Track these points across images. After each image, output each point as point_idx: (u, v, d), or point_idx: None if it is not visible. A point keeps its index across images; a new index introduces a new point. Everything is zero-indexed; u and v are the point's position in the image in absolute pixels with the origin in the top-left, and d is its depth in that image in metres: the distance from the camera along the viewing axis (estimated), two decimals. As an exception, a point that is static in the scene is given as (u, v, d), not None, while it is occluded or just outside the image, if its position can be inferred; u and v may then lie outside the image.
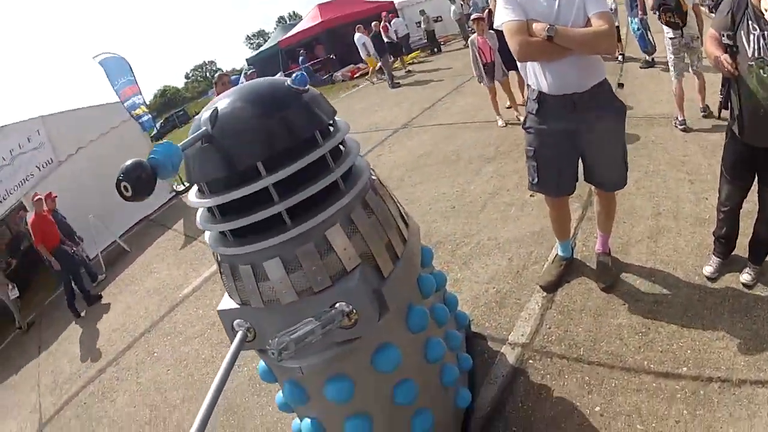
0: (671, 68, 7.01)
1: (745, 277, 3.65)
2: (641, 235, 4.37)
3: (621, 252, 4.21)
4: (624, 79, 9.30)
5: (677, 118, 6.67)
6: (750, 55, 2.99)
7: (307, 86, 2.05)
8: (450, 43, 22.67)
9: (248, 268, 1.97)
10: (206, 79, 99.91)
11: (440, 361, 2.52)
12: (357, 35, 17.05)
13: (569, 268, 4.21)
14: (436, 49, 21.32)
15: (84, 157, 10.49)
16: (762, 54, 2.93)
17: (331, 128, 2.18)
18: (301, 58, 23.96)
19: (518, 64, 3.53)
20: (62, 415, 5.43)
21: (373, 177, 2.32)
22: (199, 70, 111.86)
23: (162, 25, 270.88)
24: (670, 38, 6.95)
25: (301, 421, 2.48)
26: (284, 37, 27.21)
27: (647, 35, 10.08)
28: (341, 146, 2.24)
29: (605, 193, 3.80)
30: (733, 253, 3.78)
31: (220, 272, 2.15)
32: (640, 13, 10.13)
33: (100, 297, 8.09)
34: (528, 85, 3.48)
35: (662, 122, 6.69)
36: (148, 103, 13.64)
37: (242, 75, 12.42)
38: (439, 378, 2.59)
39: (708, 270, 3.78)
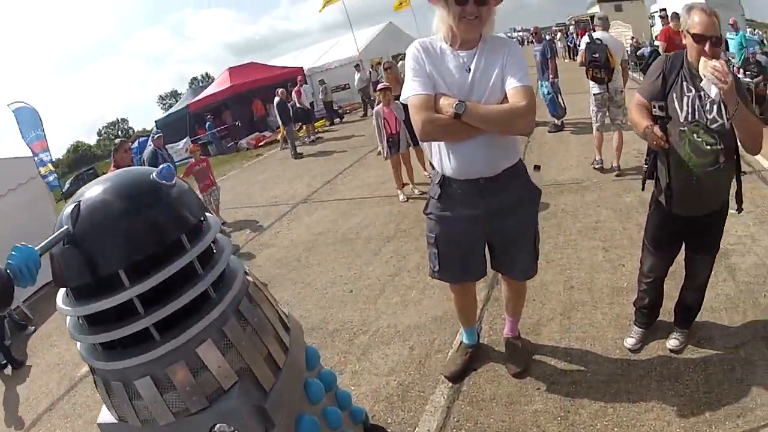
0: (593, 119, 7.56)
1: (673, 342, 3.53)
2: (553, 312, 4.23)
3: (532, 333, 4.02)
4: (531, 145, 9.53)
5: (595, 159, 7.26)
6: (682, 120, 2.92)
7: (174, 180, 1.83)
8: (356, 112, 23.13)
9: (120, 385, 1.75)
10: (118, 137, 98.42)
11: (339, 428, 2.35)
12: (276, 99, 16.96)
13: (476, 356, 3.93)
14: (336, 120, 21.76)
15: None
16: (697, 117, 2.87)
17: (202, 226, 1.96)
18: (208, 123, 23.74)
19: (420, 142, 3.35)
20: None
21: (249, 278, 2.12)
22: (112, 128, 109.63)
23: (79, 80, 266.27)
24: (594, 93, 7.48)
25: None
26: (193, 100, 26.88)
27: (557, 99, 10.50)
28: (212, 246, 2.01)
29: (513, 284, 3.56)
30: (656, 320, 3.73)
31: (95, 383, 1.90)
32: (551, 76, 10.55)
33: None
34: (431, 165, 3.20)
35: (572, 188, 6.77)
36: (60, 157, 13.10)
37: (150, 138, 12.05)
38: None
39: (630, 342, 3.64)
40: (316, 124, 20.17)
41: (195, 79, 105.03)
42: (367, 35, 28.36)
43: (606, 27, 8.15)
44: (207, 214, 2.02)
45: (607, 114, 7.40)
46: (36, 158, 11.39)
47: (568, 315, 4.11)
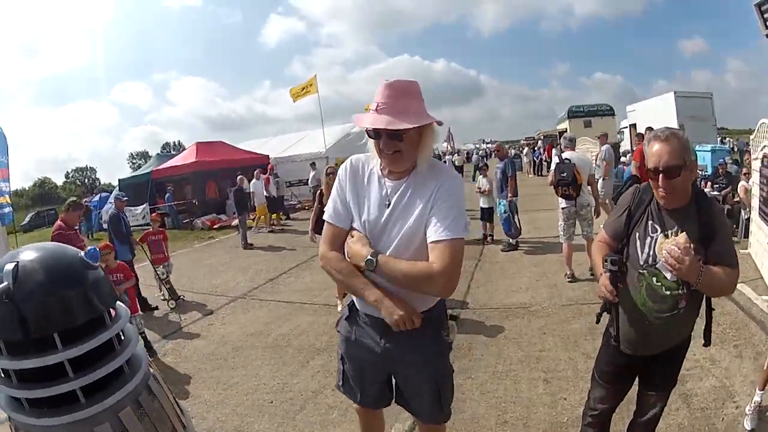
0: (561, 233, 8.05)
1: None
2: None
3: None
4: (482, 264, 9.44)
5: (566, 273, 7.58)
6: (642, 262, 2.80)
7: (98, 264, 1.96)
8: (311, 208, 23.09)
9: None
10: (84, 185, 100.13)
11: None
12: (253, 181, 17.37)
13: None
14: (283, 215, 21.65)
15: None
16: (659, 262, 2.70)
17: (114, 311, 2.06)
18: (168, 194, 23.49)
19: None
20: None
21: (151, 369, 2.16)
22: (80, 173, 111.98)
23: (58, 116, 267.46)
24: (562, 207, 8.03)
25: None
26: (157, 167, 26.72)
27: (513, 219, 10.66)
28: (122, 332, 2.08)
29: (432, 425, 3.10)
30: None
31: None
32: (509, 195, 10.67)
33: None
34: None
35: (518, 313, 6.61)
36: (26, 188, 12.59)
37: (114, 198, 11.79)
38: None
39: None
40: (274, 216, 20.05)
41: (167, 144, 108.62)
42: (336, 132, 28.85)
43: (573, 147, 8.66)
44: (118, 303, 2.10)
45: (576, 225, 8.02)
46: None
47: None
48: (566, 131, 27.10)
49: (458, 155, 40.04)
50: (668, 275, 2.64)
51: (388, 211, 2.57)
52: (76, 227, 8.66)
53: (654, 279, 2.72)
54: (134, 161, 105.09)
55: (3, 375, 1.86)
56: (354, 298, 2.85)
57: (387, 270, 2.46)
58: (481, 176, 12.26)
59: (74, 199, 8.76)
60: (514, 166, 11.47)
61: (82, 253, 1.94)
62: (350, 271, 2.61)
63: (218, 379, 6.06)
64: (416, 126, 2.41)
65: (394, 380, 2.99)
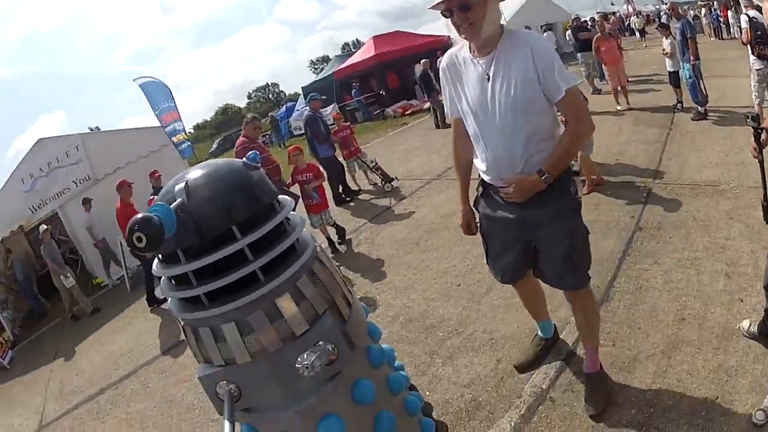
0: (754, 94, 7.93)
1: None
2: (654, 348, 3.69)
3: (625, 369, 3.56)
4: (673, 134, 8.92)
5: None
6: None
7: (258, 164, 2.19)
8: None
9: (232, 325, 2.02)
10: (268, 101, 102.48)
11: (401, 392, 2.57)
12: (419, 70, 16.97)
13: (548, 351, 3.89)
14: None
15: (121, 177, 10.77)
16: None
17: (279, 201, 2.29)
18: (354, 90, 24.10)
19: None
20: (59, 424, 5.93)
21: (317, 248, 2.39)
22: (262, 91, 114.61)
23: (223, 49, 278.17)
24: (757, 69, 7.80)
25: None
26: (338, 67, 27.53)
27: (699, 84, 9.80)
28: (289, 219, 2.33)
29: (569, 293, 3.30)
30: None
31: (195, 339, 2.13)
32: (692, 58, 9.84)
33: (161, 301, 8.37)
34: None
35: (708, 192, 6.11)
36: (209, 119, 13.90)
37: (306, 102, 12.35)
38: (405, 410, 2.61)
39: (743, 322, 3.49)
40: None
41: (346, 44, 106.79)
42: (514, 5, 27.01)
43: (752, 5, 8.07)
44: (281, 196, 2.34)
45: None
46: (168, 128, 12.34)
47: (669, 354, 3.60)
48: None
49: (638, 17, 36.09)
50: None
51: (489, 84, 2.76)
52: (260, 140, 9.17)
53: None
54: (316, 67, 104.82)
55: (175, 283, 2.15)
56: (481, 174, 3.09)
57: (558, 171, 2.78)
58: (663, 38, 11.31)
59: (251, 115, 9.26)
60: (693, 28, 10.46)
61: (245, 159, 2.20)
62: (457, 170, 3.30)
63: (409, 264, 6.28)
64: None
65: (522, 249, 3.17)
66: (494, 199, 3.07)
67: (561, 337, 4.03)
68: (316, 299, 2.14)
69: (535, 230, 3.00)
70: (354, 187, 10.64)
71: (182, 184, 1.99)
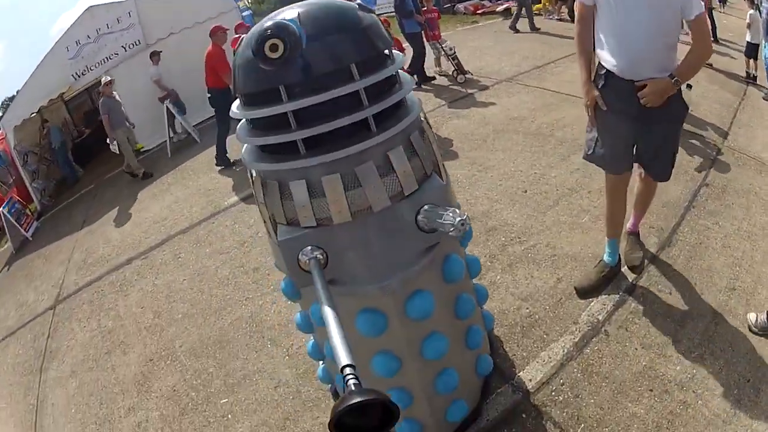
0: None
1: None
2: (706, 309, 3.61)
3: (678, 322, 3.48)
4: (744, 105, 8.56)
5: None
6: None
7: (374, 9, 2.12)
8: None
9: (336, 177, 1.85)
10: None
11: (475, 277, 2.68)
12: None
13: (611, 280, 3.86)
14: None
15: (174, 43, 10.55)
16: None
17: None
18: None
19: (594, 35, 3.41)
20: (78, 297, 5.60)
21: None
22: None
23: None
24: None
25: (362, 363, 2.26)
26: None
27: None
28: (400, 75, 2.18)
29: (648, 180, 3.75)
30: None
31: (281, 195, 1.95)
32: None
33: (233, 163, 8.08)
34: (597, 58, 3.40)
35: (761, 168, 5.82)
36: None
37: None
38: (476, 295, 2.70)
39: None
40: (537, 6, 18.66)
41: None
42: None
43: None
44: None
45: None
46: None
47: (717, 321, 3.48)
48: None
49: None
50: None
51: None
52: None
53: None
54: None
55: (263, 128, 1.97)
56: (606, 67, 3.23)
57: (685, 78, 3.11)
58: (752, 10, 10.82)
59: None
60: None
61: (359, 1, 2.02)
62: (582, 52, 3.38)
63: (474, 160, 6.03)
64: None
65: (635, 145, 3.45)
66: (617, 91, 3.24)
67: (619, 278, 3.86)
68: (426, 158, 2.05)
69: (650, 127, 3.28)
70: (430, 73, 10.31)
71: (294, 14, 1.78)
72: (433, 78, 10.08)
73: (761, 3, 9.81)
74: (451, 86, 9.33)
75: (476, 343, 2.56)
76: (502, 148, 6.24)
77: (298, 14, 1.79)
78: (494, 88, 8.84)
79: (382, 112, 1.90)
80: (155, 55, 10.59)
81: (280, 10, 1.89)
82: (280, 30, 1.57)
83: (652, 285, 3.82)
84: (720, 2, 27.38)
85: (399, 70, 2.13)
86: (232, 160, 7.74)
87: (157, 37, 10.81)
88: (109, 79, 9.12)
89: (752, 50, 10.59)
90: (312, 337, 2.69)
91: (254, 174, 2.02)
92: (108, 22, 10.56)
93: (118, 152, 8.89)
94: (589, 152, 3.60)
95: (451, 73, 9.79)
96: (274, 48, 1.56)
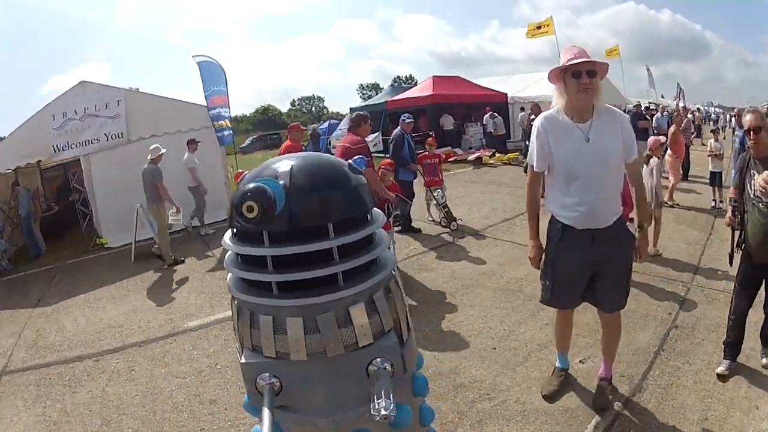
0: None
1: (765, 360, 4.56)
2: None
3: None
4: (714, 238, 8.95)
5: None
6: (752, 196, 4.04)
7: (363, 170, 2.14)
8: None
9: (299, 321, 1.93)
10: (310, 113, 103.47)
11: (428, 425, 2.49)
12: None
13: (567, 381, 4.46)
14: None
15: (154, 145, 10.65)
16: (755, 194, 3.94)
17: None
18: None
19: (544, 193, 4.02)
20: (25, 376, 5.44)
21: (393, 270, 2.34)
22: (306, 102, 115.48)
23: (280, 50, 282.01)
24: None
25: None
26: (393, 98, 27.60)
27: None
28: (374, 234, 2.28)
29: (608, 315, 4.07)
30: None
31: (250, 324, 2.03)
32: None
33: None
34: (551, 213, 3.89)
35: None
36: (248, 114, 13.94)
37: (401, 121, 12.05)
38: None
39: (720, 369, 4.50)
40: (509, 155, 19.95)
41: (398, 77, 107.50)
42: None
43: None
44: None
45: None
46: (213, 111, 12.12)
47: None
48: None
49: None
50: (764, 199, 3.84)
51: (588, 145, 3.48)
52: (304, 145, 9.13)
53: (761, 205, 3.95)
54: (365, 92, 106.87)
55: (243, 262, 2.03)
56: (562, 221, 3.74)
57: (648, 218, 4.29)
58: (712, 140, 11.37)
59: (297, 123, 9.45)
60: None
61: (350, 161, 2.10)
62: (532, 213, 4.08)
63: (443, 316, 6.05)
64: (602, 63, 3.49)
65: (588, 285, 3.90)
66: (574, 242, 3.70)
67: (589, 429, 3.96)
68: (385, 315, 2.05)
69: (605, 265, 3.73)
70: (419, 222, 10.46)
71: (287, 167, 1.92)
72: (419, 230, 10.10)
73: (734, 131, 10.31)
74: (424, 236, 9.60)
75: None
76: (471, 304, 6.34)
77: (291, 167, 1.91)
78: (463, 241, 9.13)
79: (356, 268, 1.99)
80: (192, 143, 10.93)
81: (279, 158, 2.04)
82: (256, 195, 1.66)
83: (624, 431, 3.93)
84: (696, 135, 28.64)
85: (377, 231, 2.21)
86: None
87: (139, 135, 11.06)
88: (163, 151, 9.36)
89: (718, 179, 11.23)
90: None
91: (234, 299, 2.10)
92: (97, 103, 10.87)
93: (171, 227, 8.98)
94: (547, 297, 4.11)
95: (439, 221, 10.12)
96: (250, 209, 1.65)
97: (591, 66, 3.39)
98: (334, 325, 1.95)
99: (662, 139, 9.79)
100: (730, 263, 4.51)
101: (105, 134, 10.84)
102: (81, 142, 10.65)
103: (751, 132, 4.14)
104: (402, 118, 10.57)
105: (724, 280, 6.64)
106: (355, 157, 2.16)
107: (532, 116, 17.11)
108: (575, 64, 3.38)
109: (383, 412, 1.73)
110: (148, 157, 9.53)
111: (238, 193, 1.68)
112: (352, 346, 1.98)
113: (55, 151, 10.68)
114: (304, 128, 10.09)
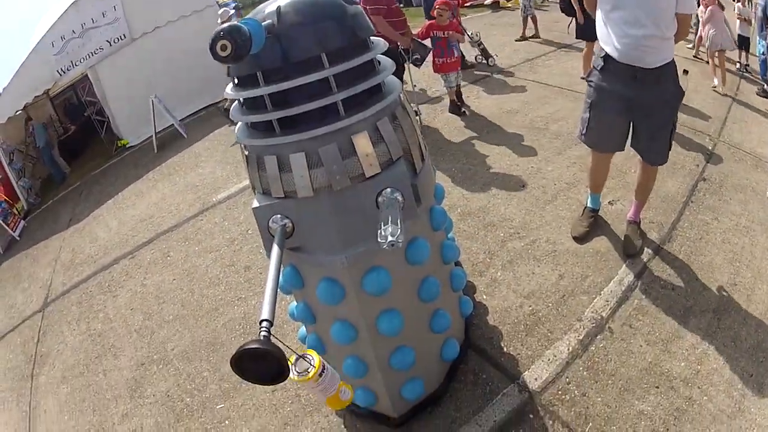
0: None
1: None
2: (708, 304, 3.65)
3: (680, 317, 3.52)
4: (738, 101, 8.51)
5: None
6: None
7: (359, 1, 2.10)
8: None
9: (301, 155, 2.01)
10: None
11: (452, 262, 2.74)
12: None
13: (597, 222, 4.33)
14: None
15: (159, 36, 10.38)
16: None
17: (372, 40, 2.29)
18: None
19: (595, 23, 3.64)
20: (67, 298, 5.41)
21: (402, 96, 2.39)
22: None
23: None
24: None
25: (324, 328, 2.53)
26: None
27: None
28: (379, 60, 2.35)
29: (646, 166, 3.89)
30: None
31: (258, 167, 2.13)
32: None
33: None
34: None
35: (765, 167, 5.83)
36: None
37: None
38: (450, 283, 2.76)
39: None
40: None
41: None
42: None
43: None
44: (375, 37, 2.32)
45: None
46: None
47: (719, 315, 3.52)
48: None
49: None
50: None
51: None
52: None
53: None
54: None
55: (247, 108, 2.11)
56: (606, 51, 3.44)
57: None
58: (739, 4, 10.93)
59: None
60: None
61: None
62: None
63: (469, 154, 5.92)
64: None
65: (631, 128, 3.69)
66: (615, 75, 3.45)
67: (620, 275, 3.90)
68: (393, 144, 2.14)
69: (646, 110, 3.49)
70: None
71: (274, 6, 1.95)
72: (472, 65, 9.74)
73: (757, 6, 9.92)
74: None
75: (442, 327, 2.64)
76: (497, 142, 6.11)
77: (278, 7, 1.93)
78: (485, 81, 8.66)
79: (356, 96, 2.02)
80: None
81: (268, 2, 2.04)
82: (229, 33, 1.68)
83: (654, 281, 3.81)
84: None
85: (380, 57, 2.30)
86: None
87: (143, 31, 10.65)
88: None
89: (743, 42, 10.80)
90: (303, 326, 2.82)
91: (243, 147, 2.20)
92: (93, 15, 10.37)
93: None
94: (583, 132, 3.83)
95: (475, 59, 9.71)
96: (223, 48, 1.68)
97: None
98: (338, 157, 2.01)
99: None
100: None
101: (107, 41, 10.33)
102: (84, 57, 10.18)
103: None
104: None
105: (752, 142, 6.46)
106: None
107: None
108: None
109: (390, 238, 1.79)
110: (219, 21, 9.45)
111: (215, 31, 1.68)
112: (358, 178, 2.06)
113: (60, 74, 10.33)
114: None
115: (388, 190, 2.06)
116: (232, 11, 9.27)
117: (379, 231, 1.83)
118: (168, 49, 10.23)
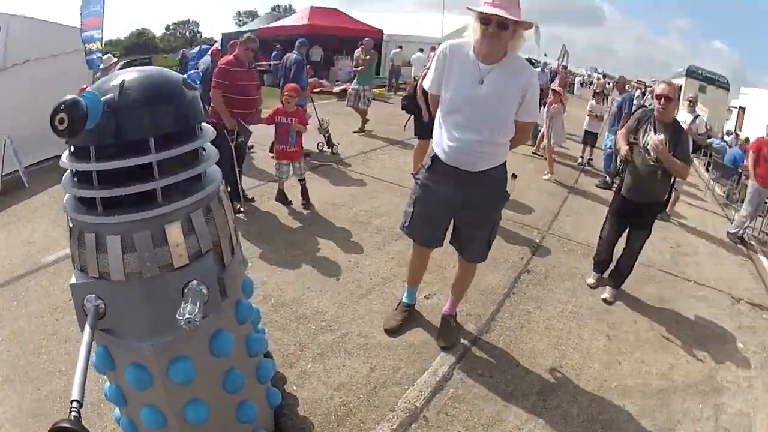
0: None
1: (605, 296, 5.30)
2: (530, 389, 3.85)
3: (501, 402, 3.67)
4: (576, 193, 9.32)
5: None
6: (641, 144, 4.91)
7: (197, 86, 2.26)
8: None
9: (117, 238, 2.01)
10: (183, 37, 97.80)
11: (258, 355, 2.76)
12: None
13: (412, 316, 4.46)
14: (393, 90, 21.86)
15: (26, 71, 9.79)
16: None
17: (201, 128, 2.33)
18: (274, 52, 23.33)
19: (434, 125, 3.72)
20: None
21: (221, 188, 2.44)
22: (181, 26, 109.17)
23: None
24: None
25: (135, 411, 2.45)
26: (266, 26, 26.32)
27: (616, 157, 10.23)
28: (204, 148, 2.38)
29: (464, 263, 4.05)
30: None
31: (78, 243, 2.12)
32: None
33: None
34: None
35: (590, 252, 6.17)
36: (121, 38, 12.90)
37: (297, 45, 11.13)
38: (256, 375, 2.78)
39: (590, 281, 5.57)
40: (376, 90, 19.71)
41: (278, 6, 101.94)
42: (455, 22, 23.62)
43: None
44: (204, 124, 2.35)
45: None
46: (85, 33, 11.22)
47: (545, 397, 3.77)
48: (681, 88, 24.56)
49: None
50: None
51: (480, 87, 3.30)
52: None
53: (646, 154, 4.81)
54: (241, 19, 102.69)
55: (77, 180, 2.08)
56: (436, 152, 3.59)
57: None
58: (594, 101, 11.86)
59: (248, 35, 8.69)
60: (632, 105, 10.78)
61: (185, 76, 2.18)
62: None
63: (290, 242, 5.94)
64: (520, 21, 3.20)
65: (452, 225, 3.86)
66: (440, 175, 3.61)
67: (434, 366, 4.01)
68: (203, 236, 2.17)
69: (468, 211, 3.67)
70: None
71: (118, 81, 1.97)
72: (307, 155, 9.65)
73: (610, 93, 10.88)
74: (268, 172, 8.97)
75: (249, 418, 2.67)
76: (320, 233, 6.27)
77: (123, 81, 1.96)
78: (319, 170, 8.98)
79: (176, 184, 2.07)
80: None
81: (120, 72, 2.09)
82: (68, 107, 1.71)
83: (471, 370, 3.99)
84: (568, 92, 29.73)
85: (207, 146, 2.34)
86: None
87: (14, 62, 10.02)
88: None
89: (592, 139, 11.73)
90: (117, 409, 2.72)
91: (68, 219, 2.17)
92: None
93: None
94: (405, 225, 3.96)
95: (317, 146, 10.00)
96: (61, 121, 1.71)
97: (504, 19, 3.14)
98: (150, 244, 2.05)
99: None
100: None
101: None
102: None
103: (662, 99, 4.82)
104: (298, 43, 10.23)
105: (585, 232, 6.91)
106: (190, 72, 2.19)
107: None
108: (484, 13, 3.17)
109: (187, 315, 1.86)
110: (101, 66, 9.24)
111: (56, 104, 1.71)
112: (167, 267, 2.08)
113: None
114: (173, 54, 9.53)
115: (195, 282, 2.08)
116: (114, 59, 8.95)
117: (178, 309, 1.89)
118: (29, 87, 9.65)
